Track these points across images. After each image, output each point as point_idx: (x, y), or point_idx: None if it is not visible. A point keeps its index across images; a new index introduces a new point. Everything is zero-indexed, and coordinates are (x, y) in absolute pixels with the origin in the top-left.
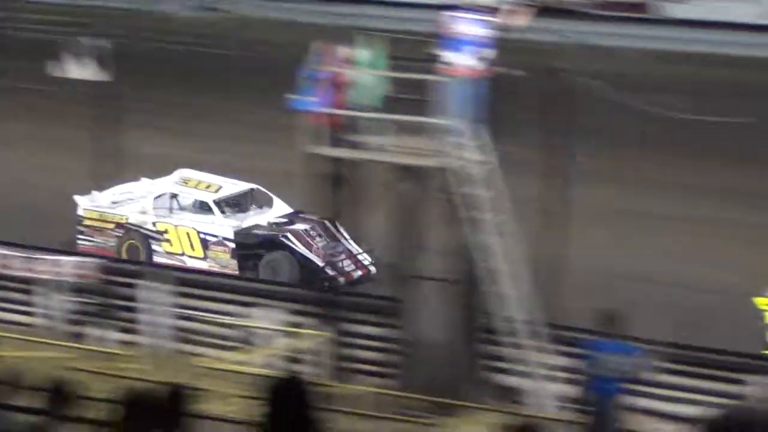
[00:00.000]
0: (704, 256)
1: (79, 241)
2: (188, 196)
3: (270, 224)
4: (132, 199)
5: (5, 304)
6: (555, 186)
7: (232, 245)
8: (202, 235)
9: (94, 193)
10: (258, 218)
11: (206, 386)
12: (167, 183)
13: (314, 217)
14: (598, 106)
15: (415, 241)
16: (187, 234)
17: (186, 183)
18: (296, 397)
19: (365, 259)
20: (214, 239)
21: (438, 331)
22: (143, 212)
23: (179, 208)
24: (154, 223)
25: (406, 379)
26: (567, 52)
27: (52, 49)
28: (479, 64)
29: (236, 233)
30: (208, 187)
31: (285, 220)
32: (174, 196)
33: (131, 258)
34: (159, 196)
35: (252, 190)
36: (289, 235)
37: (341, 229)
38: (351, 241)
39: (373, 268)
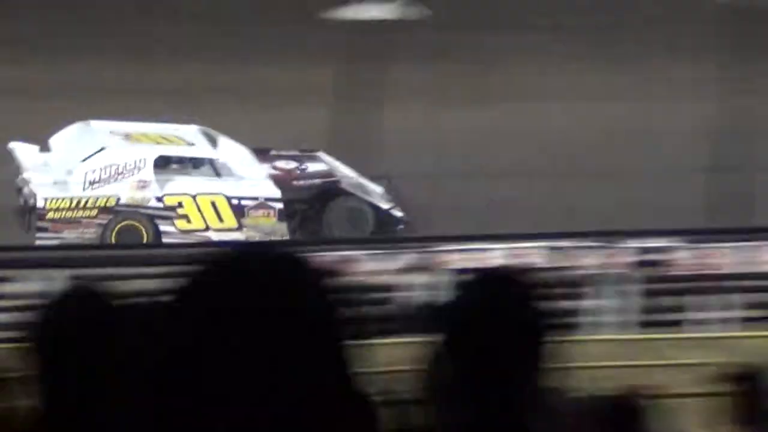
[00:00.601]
0: None
1: (40, 241)
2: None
3: (285, 171)
4: (121, 173)
5: None
6: None
7: (278, 206)
8: (234, 201)
9: (51, 176)
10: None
11: None
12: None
13: (297, 152)
14: None
15: None
16: (212, 203)
17: (131, 139)
18: None
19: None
20: (252, 203)
21: None
22: (143, 186)
23: (177, 173)
24: (160, 198)
25: None
26: None
27: None
28: None
29: (284, 189)
30: (163, 138)
31: (292, 164)
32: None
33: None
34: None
35: (200, 130)
36: (342, 180)
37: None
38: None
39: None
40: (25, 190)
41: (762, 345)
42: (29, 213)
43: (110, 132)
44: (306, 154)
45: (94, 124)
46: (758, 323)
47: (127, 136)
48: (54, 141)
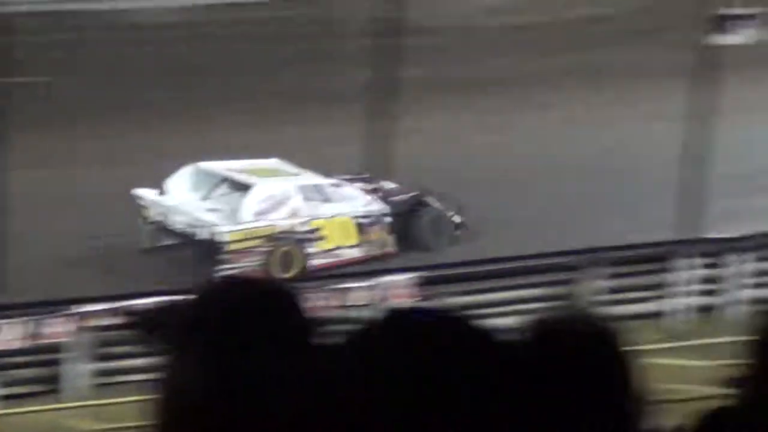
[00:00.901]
0: None
1: (221, 272)
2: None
3: (370, 191)
4: (281, 203)
5: None
6: None
7: (387, 220)
8: (357, 220)
9: (219, 213)
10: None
11: None
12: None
13: (350, 176)
14: None
15: None
16: (342, 224)
17: (254, 174)
18: None
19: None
20: (368, 220)
21: None
22: (293, 214)
23: (310, 200)
24: (305, 223)
25: None
26: None
27: None
28: None
29: (393, 205)
30: (277, 171)
31: (371, 185)
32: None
33: (285, 268)
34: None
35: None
36: (424, 194)
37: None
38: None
39: None
40: (188, 228)
41: (33, 420)
42: (206, 248)
43: (228, 170)
44: (359, 177)
45: (203, 165)
46: (25, 399)
47: (250, 172)
48: (173, 184)
